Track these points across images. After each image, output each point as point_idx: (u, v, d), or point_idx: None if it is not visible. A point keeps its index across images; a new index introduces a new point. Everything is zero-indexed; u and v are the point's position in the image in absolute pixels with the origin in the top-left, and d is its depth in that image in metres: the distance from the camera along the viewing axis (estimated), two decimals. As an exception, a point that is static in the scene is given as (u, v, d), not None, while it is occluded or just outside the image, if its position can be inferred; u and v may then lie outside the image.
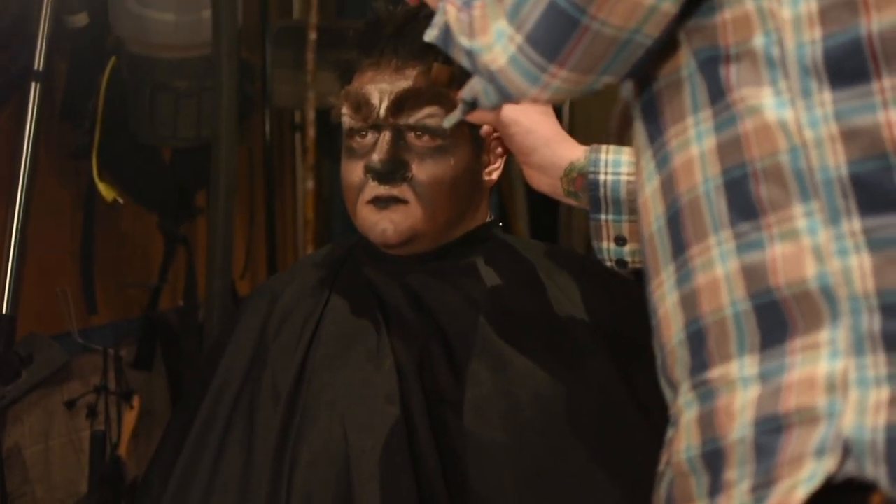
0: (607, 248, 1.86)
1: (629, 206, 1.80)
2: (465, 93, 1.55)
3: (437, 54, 1.73)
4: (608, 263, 1.86)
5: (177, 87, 3.17)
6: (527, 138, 1.87)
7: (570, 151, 1.87)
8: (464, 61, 1.51)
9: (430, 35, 1.58)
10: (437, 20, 1.56)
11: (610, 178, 1.82)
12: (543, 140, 1.87)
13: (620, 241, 1.84)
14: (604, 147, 1.85)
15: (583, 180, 1.83)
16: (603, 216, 1.83)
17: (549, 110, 1.88)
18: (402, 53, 1.91)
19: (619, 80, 1.42)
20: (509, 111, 1.84)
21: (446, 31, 1.53)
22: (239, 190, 3.05)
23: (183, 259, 3.51)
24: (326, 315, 1.95)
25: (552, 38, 1.37)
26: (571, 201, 1.89)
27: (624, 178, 1.81)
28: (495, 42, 1.42)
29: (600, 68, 1.39)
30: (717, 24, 1.32)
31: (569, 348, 1.88)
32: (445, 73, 1.80)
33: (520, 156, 1.91)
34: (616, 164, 1.82)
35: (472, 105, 1.56)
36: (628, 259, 1.85)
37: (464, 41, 1.48)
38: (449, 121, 1.69)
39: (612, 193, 1.82)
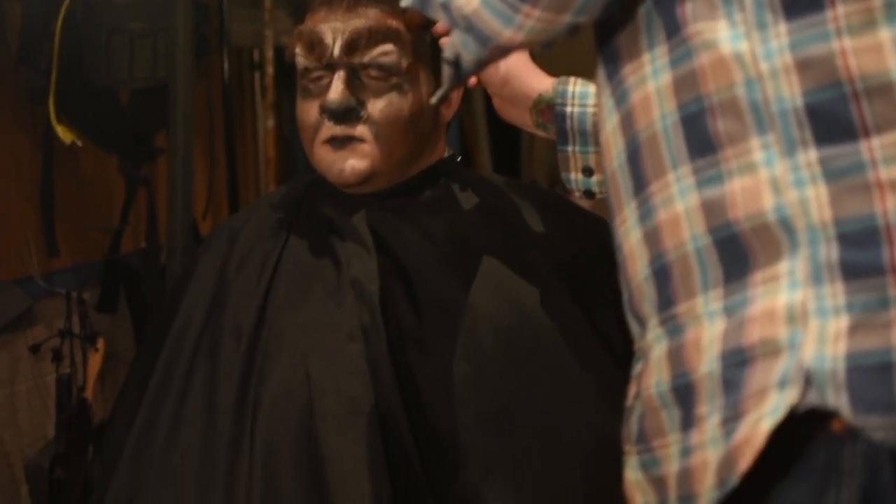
0: (575, 179, 1.87)
1: (596, 137, 1.81)
2: (447, 51, 1.55)
3: None
4: (577, 194, 1.87)
5: (132, 27, 3.13)
6: (497, 71, 1.87)
7: (539, 83, 1.87)
8: (441, 16, 1.50)
9: (407, 0, 1.58)
10: None
11: (577, 110, 1.82)
12: (514, 72, 1.87)
13: (588, 171, 1.84)
14: (571, 79, 1.86)
15: (551, 112, 1.84)
16: (570, 147, 1.84)
17: None
18: None
19: (593, 19, 1.41)
20: None
21: None
22: (198, 130, 3.04)
23: (144, 201, 3.49)
24: (286, 254, 1.95)
25: None
26: (540, 132, 1.89)
27: (590, 109, 1.82)
28: None
29: (574, 7, 1.38)
30: None
31: (528, 281, 1.88)
32: (418, 16, 1.79)
33: (490, 87, 1.91)
34: (583, 95, 1.83)
35: (456, 64, 1.54)
36: (596, 189, 1.86)
37: None
38: (437, 97, 1.68)
39: (578, 125, 1.82)
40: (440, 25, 1.84)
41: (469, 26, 1.44)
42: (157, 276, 3.35)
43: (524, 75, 1.88)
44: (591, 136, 1.82)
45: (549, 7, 1.38)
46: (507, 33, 1.41)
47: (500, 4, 1.39)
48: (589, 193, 1.88)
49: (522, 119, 1.90)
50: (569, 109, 1.83)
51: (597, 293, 1.88)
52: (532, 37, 1.42)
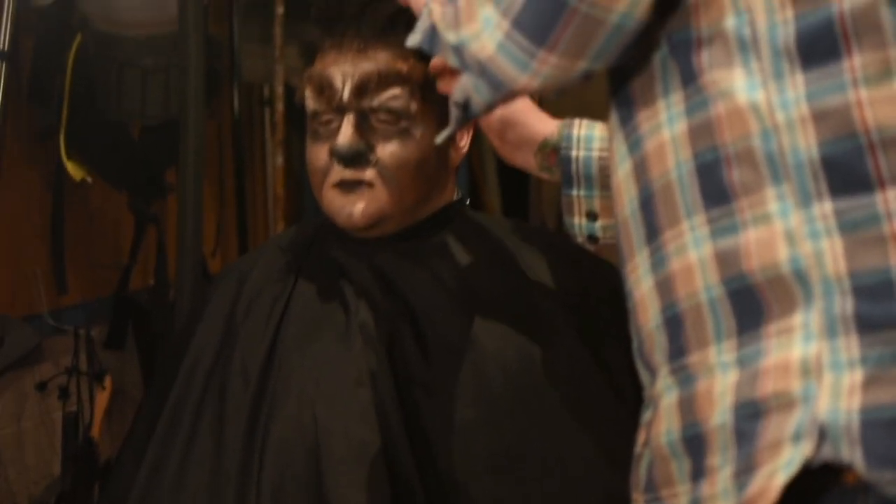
0: (579, 224, 1.86)
1: (601, 181, 1.80)
2: (456, 94, 1.52)
3: (401, 35, 1.71)
4: (579, 239, 1.86)
5: (144, 64, 3.15)
6: (501, 116, 1.87)
7: (544, 126, 1.87)
8: (452, 60, 1.48)
9: (414, 40, 1.56)
10: (421, 25, 1.54)
11: (582, 153, 1.82)
12: (517, 116, 1.87)
13: (592, 216, 1.84)
14: (576, 122, 1.85)
15: (556, 156, 1.83)
16: (575, 192, 1.83)
17: None
18: (365, 34, 1.89)
19: (610, 65, 1.40)
20: None
21: (431, 33, 1.51)
22: (208, 167, 3.04)
23: (153, 238, 3.49)
24: (295, 297, 1.94)
25: (539, 22, 1.35)
26: (546, 176, 1.88)
27: (596, 153, 1.81)
28: (482, 30, 1.40)
29: (591, 53, 1.36)
30: (690, 5, 1.31)
31: (537, 325, 1.88)
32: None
33: (493, 132, 1.91)
34: (588, 139, 1.82)
35: (465, 108, 1.52)
36: (599, 234, 1.85)
37: (450, 36, 1.46)
38: (441, 137, 1.66)
39: (584, 169, 1.82)
40: (437, 63, 1.83)
41: (483, 71, 1.43)
42: (166, 313, 3.35)
43: (528, 119, 1.87)
44: (596, 180, 1.82)
45: (565, 54, 1.36)
46: (522, 80, 1.40)
47: (517, 50, 1.38)
48: (592, 238, 1.87)
49: (527, 162, 1.89)
50: (574, 153, 1.82)
51: (606, 337, 1.87)
52: (548, 83, 1.40)
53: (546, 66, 1.37)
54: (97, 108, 3.19)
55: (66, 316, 3.22)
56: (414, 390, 1.83)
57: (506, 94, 1.47)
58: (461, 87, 1.51)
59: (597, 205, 1.83)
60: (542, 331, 1.87)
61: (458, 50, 1.45)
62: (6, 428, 3.03)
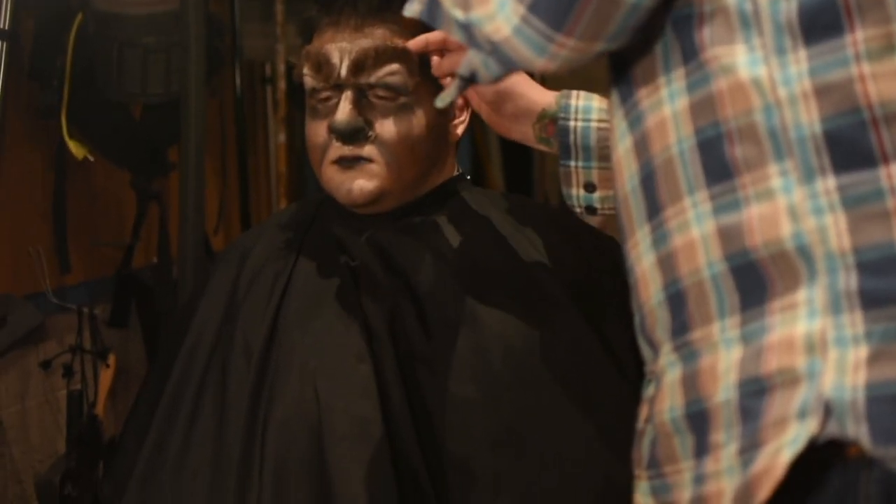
0: (577, 195, 1.85)
1: (599, 152, 1.80)
2: (463, 69, 1.51)
3: (397, 12, 1.71)
4: (577, 210, 1.86)
5: (144, 42, 3.14)
6: (497, 88, 1.86)
7: (541, 97, 1.86)
8: (457, 35, 1.47)
9: (412, 10, 1.55)
10: None
11: (580, 124, 1.81)
12: (514, 88, 1.86)
13: (590, 187, 1.83)
14: (574, 93, 1.84)
15: (554, 126, 1.82)
16: (573, 163, 1.82)
17: None
18: (362, 10, 1.89)
19: (624, 45, 1.38)
20: None
21: (432, 5, 1.50)
22: (210, 145, 3.04)
23: (156, 216, 3.49)
24: (296, 274, 1.94)
25: (557, 7, 1.34)
26: (544, 147, 1.88)
27: (594, 124, 1.80)
28: (497, 12, 1.38)
29: (608, 34, 1.35)
30: None
31: (538, 301, 1.88)
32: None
33: (490, 105, 1.90)
34: (586, 110, 1.81)
35: (469, 80, 1.52)
36: (598, 206, 1.84)
37: (458, 14, 1.44)
38: (442, 100, 1.66)
39: (582, 140, 1.81)
40: (434, 40, 1.82)
41: (495, 51, 1.42)
42: (169, 291, 3.35)
43: (526, 90, 1.86)
44: (594, 150, 1.81)
45: (583, 36, 1.35)
46: (539, 62, 1.39)
47: (534, 34, 1.37)
48: (591, 209, 1.86)
49: (524, 134, 1.88)
50: (572, 124, 1.82)
51: (607, 312, 1.87)
52: (564, 65, 1.39)
53: (564, 50, 1.36)
54: (98, 87, 3.18)
55: (69, 294, 3.22)
56: (415, 366, 1.83)
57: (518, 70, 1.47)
58: (467, 62, 1.50)
59: (595, 176, 1.82)
60: (543, 307, 1.87)
61: (467, 28, 1.44)
62: (10, 406, 3.04)
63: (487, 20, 1.40)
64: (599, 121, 1.80)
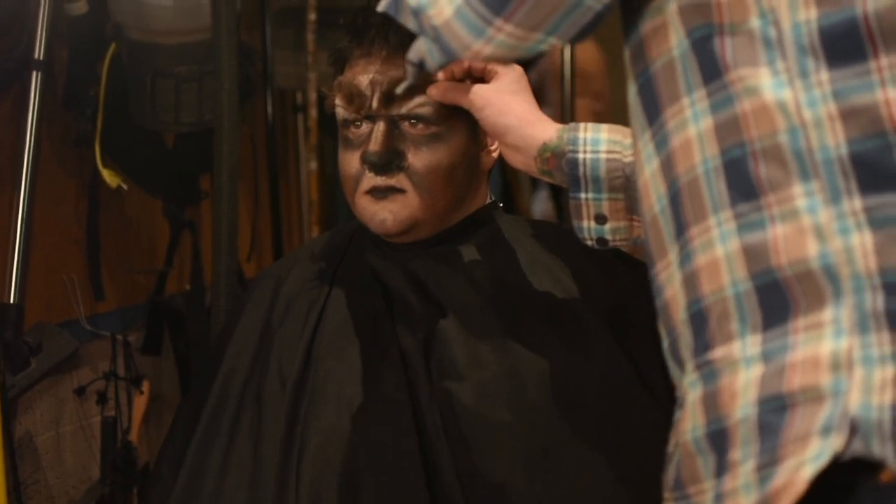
0: (587, 227, 1.84)
1: (609, 183, 1.79)
2: (411, 54, 1.60)
3: None
4: (588, 242, 1.85)
5: (177, 71, 3.15)
6: (499, 119, 1.86)
7: (543, 132, 1.86)
8: (411, 24, 1.54)
9: (382, 4, 1.62)
10: None
11: (589, 156, 1.81)
12: (516, 121, 1.86)
13: (601, 219, 1.83)
14: (581, 125, 1.84)
15: (556, 160, 1.82)
16: (583, 195, 1.82)
17: (523, 89, 1.87)
18: (392, 42, 1.90)
19: (565, 42, 1.45)
20: (482, 92, 1.84)
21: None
22: (242, 172, 3.05)
23: (189, 243, 3.51)
24: (330, 302, 1.95)
25: None
26: (546, 179, 1.88)
27: (603, 156, 1.80)
28: None
29: (547, 27, 1.41)
30: (712, 3, 1.32)
31: (572, 327, 1.88)
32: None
33: (494, 136, 1.91)
34: (595, 142, 1.81)
35: (420, 67, 1.61)
36: (609, 237, 1.84)
37: (411, 1, 1.50)
38: (401, 87, 1.76)
39: (591, 172, 1.81)
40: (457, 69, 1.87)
41: (437, 37, 1.47)
42: (202, 318, 3.36)
43: (526, 124, 1.86)
44: (604, 182, 1.81)
45: (522, 23, 1.40)
46: (475, 46, 1.44)
47: (473, 15, 1.41)
48: (602, 241, 1.85)
49: (528, 166, 1.89)
50: (581, 156, 1.81)
51: (640, 338, 1.87)
52: (500, 52, 1.45)
53: (501, 34, 1.41)
54: (132, 116, 3.20)
55: (103, 322, 3.24)
56: (450, 393, 1.83)
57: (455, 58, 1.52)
58: (416, 49, 1.59)
59: (605, 207, 1.82)
60: (576, 333, 1.88)
61: (417, 14, 1.49)
62: (45, 433, 3.05)
63: (432, 4, 1.46)
64: (609, 152, 1.80)
